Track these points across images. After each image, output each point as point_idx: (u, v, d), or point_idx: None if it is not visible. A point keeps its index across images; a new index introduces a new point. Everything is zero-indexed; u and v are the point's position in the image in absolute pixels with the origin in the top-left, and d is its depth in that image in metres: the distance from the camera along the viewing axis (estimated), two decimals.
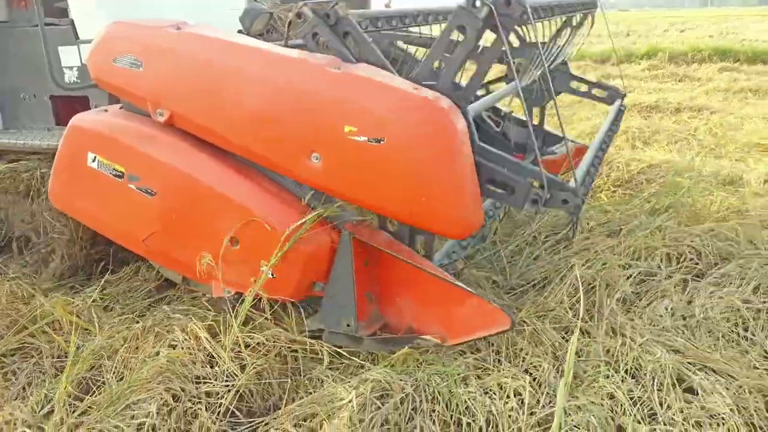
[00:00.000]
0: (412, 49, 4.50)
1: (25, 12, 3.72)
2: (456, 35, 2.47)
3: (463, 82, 2.90)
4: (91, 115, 2.87)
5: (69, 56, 3.44)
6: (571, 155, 4.65)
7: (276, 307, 2.74)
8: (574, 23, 4.18)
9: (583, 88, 4.78)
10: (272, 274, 2.58)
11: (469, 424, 2.24)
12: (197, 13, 3.85)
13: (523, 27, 3.79)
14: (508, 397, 2.33)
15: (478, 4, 2.32)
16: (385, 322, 2.70)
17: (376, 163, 2.32)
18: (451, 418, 2.29)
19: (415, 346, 2.60)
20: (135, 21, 2.75)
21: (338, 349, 2.66)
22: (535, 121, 4.76)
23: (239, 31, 3.55)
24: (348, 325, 2.61)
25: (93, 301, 3.16)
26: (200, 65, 2.54)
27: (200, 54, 2.55)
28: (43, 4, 3.36)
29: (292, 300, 2.68)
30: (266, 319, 2.70)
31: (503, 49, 2.47)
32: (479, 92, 4.43)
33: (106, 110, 2.89)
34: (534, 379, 2.47)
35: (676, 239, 3.44)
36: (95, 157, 2.78)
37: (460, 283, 2.52)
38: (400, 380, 2.39)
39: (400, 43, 4.51)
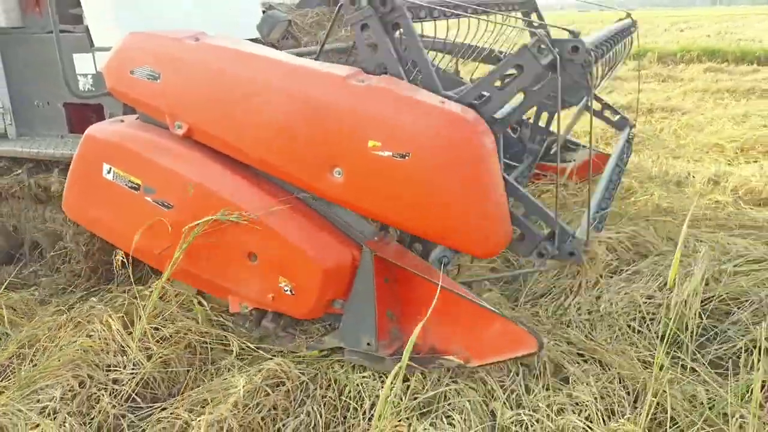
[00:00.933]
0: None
1: (39, 18, 3.67)
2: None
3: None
4: (106, 126, 2.81)
5: (84, 64, 3.39)
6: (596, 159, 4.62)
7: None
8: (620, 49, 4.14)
9: (597, 107, 4.71)
10: (291, 291, 2.52)
11: (355, 408, 2.41)
12: (212, 19, 3.80)
13: None
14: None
15: (543, 48, 2.24)
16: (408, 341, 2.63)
17: (400, 178, 2.25)
18: (341, 403, 2.46)
19: (437, 366, 2.53)
20: (153, 32, 2.69)
21: (247, 343, 2.79)
22: (552, 128, 4.68)
23: (255, 39, 3.49)
24: (368, 344, 2.54)
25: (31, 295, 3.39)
26: (219, 77, 2.48)
27: (219, 66, 2.49)
28: (58, 10, 3.30)
29: (310, 318, 2.61)
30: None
31: (556, 93, 2.41)
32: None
33: (122, 121, 2.83)
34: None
35: (598, 237, 3.46)
36: (111, 169, 2.73)
37: (485, 304, 2.45)
38: (300, 370, 2.56)
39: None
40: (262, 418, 2.35)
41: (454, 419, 2.30)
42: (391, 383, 2.09)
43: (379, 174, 2.28)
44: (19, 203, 3.63)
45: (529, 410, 2.35)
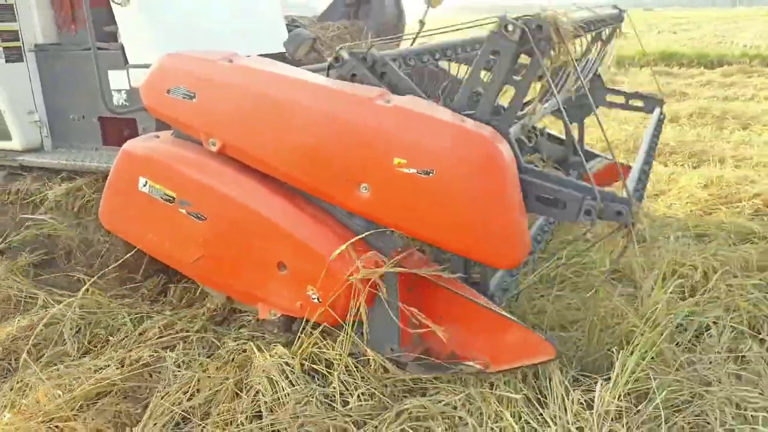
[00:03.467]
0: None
1: (74, 35, 3.85)
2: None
3: (504, 103, 2.96)
4: (143, 142, 2.96)
5: (118, 79, 3.55)
6: (610, 169, 4.69)
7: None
8: (603, 38, 4.21)
9: (620, 99, 4.76)
10: (318, 300, 2.65)
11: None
12: (239, 36, 3.95)
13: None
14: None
15: (510, 27, 2.34)
16: (428, 347, 2.76)
17: (425, 194, 2.37)
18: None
19: (457, 372, 2.65)
20: (188, 53, 2.83)
21: None
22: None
23: (282, 55, 3.63)
24: (392, 350, 2.67)
25: None
26: (251, 97, 2.62)
27: (251, 86, 2.63)
28: (94, 28, 3.47)
29: (337, 325, 2.74)
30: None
31: (540, 70, 2.50)
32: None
33: (157, 136, 2.98)
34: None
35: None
36: (146, 182, 2.87)
37: (504, 312, 2.56)
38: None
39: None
40: None
41: None
42: None
43: (404, 190, 2.40)
44: None
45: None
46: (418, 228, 2.49)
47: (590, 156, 5.02)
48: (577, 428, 2.32)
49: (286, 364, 2.71)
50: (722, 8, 66.46)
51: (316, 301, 2.66)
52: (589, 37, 3.94)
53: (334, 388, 2.60)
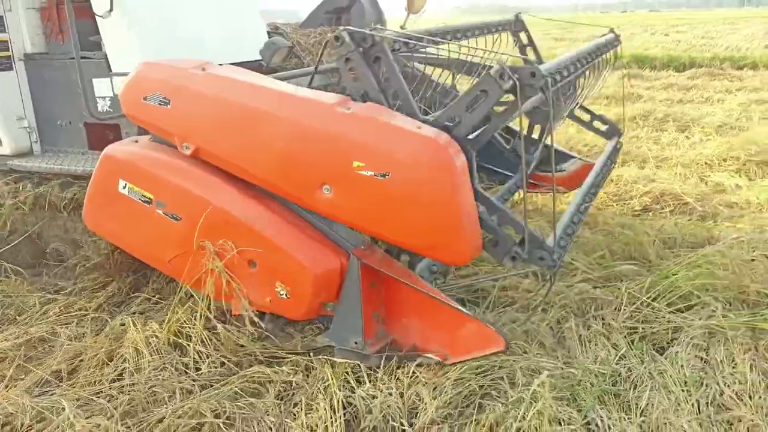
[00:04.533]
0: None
1: (61, 45, 4.01)
2: None
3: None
4: (122, 146, 3.11)
5: (102, 87, 3.71)
6: (586, 169, 4.81)
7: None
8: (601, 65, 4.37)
9: (586, 118, 4.92)
10: (286, 295, 2.80)
11: None
12: (222, 45, 4.10)
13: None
14: None
15: (504, 74, 2.51)
16: (392, 339, 2.90)
17: (381, 195, 2.52)
18: None
19: (418, 363, 2.80)
20: (163, 62, 2.99)
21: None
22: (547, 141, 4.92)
23: (258, 63, 3.78)
24: (356, 343, 2.81)
25: None
26: (222, 104, 2.77)
27: (222, 94, 2.78)
28: (79, 38, 3.63)
29: (304, 319, 2.89)
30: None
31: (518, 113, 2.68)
32: None
33: (136, 141, 3.13)
34: None
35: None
36: (126, 184, 3.02)
37: (461, 307, 2.71)
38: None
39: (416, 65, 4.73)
40: None
41: None
42: None
43: (363, 191, 2.55)
44: None
45: None
46: (376, 227, 2.65)
47: (566, 157, 5.16)
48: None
49: (156, 337, 3.10)
50: (729, 9, 66.67)
51: (284, 296, 2.81)
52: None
53: (190, 357, 3.01)
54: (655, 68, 13.78)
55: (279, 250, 2.75)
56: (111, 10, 3.45)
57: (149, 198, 2.97)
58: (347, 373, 2.80)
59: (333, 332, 2.88)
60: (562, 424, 2.42)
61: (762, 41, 17.92)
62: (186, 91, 2.85)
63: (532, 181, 4.91)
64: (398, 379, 2.72)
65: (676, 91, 11.27)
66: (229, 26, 4.21)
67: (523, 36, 4.76)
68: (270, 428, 2.55)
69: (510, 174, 4.62)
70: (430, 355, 2.78)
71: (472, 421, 2.48)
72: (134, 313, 3.49)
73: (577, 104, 4.43)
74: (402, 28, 4.92)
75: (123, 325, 3.26)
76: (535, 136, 4.72)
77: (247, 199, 2.83)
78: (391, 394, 2.62)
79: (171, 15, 3.83)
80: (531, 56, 4.81)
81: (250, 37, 4.06)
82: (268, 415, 2.60)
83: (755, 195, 5.32)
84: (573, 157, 5.21)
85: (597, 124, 4.94)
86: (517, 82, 2.51)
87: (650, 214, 5.09)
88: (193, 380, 2.89)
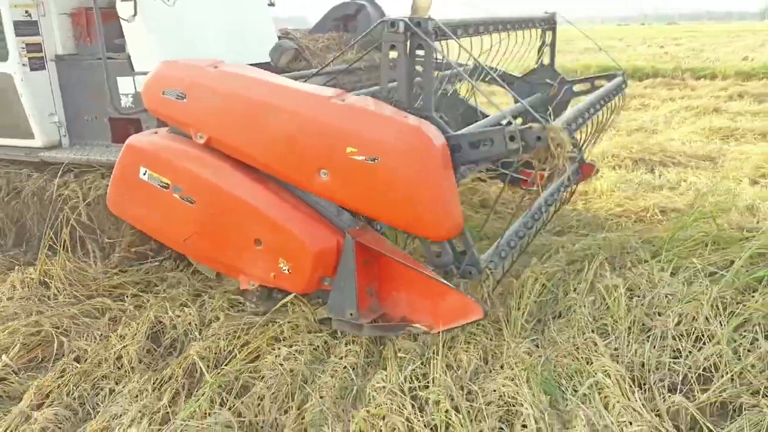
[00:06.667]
0: None
1: (89, 46, 4.37)
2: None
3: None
4: (143, 136, 3.45)
5: (126, 85, 4.06)
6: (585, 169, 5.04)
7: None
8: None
9: (586, 87, 5.04)
10: (288, 270, 3.10)
11: None
12: (235, 47, 4.44)
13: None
14: None
15: (394, 24, 2.82)
16: (384, 312, 3.19)
17: (372, 177, 2.82)
18: None
19: (406, 333, 3.09)
20: (180, 60, 3.32)
21: None
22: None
23: (267, 64, 4.10)
24: (351, 314, 3.09)
25: None
26: (232, 97, 3.10)
27: (232, 88, 3.11)
28: (105, 41, 3.99)
29: (305, 293, 3.19)
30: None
31: (434, 60, 2.94)
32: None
33: (155, 132, 3.47)
34: None
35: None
36: (146, 171, 3.34)
37: (443, 280, 2.99)
38: None
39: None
40: None
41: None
42: None
43: (356, 174, 2.85)
44: None
45: None
46: (368, 207, 2.95)
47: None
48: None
49: (31, 278, 4.14)
50: (751, 22, 66.40)
51: (286, 272, 3.11)
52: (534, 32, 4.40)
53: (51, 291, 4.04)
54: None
55: (283, 230, 3.05)
56: (135, 14, 3.81)
57: (167, 183, 3.29)
58: (167, 304, 3.69)
59: (330, 305, 3.18)
60: None
61: (746, 53, 18.66)
62: (200, 86, 3.18)
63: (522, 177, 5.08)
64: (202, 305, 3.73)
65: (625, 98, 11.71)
66: (243, 30, 4.56)
67: (548, 35, 4.88)
68: (95, 338, 3.50)
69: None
70: (417, 326, 3.06)
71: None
72: (28, 263, 4.50)
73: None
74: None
75: (11, 270, 4.35)
76: None
77: (254, 184, 3.14)
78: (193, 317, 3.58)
79: (188, 19, 4.18)
80: (546, 59, 5.01)
81: (260, 40, 4.39)
82: (98, 330, 3.56)
83: (602, 184, 6.01)
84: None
85: (598, 83, 4.95)
86: (409, 23, 2.80)
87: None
88: (50, 307, 3.89)
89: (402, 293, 3.13)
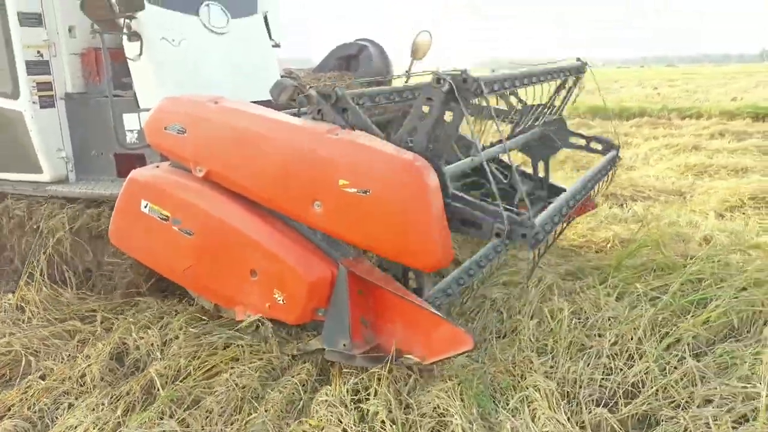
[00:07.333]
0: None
1: (98, 85, 4.52)
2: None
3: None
4: (145, 170, 3.55)
5: (131, 121, 4.19)
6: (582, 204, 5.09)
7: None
8: (566, 86, 4.73)
9: (581, 142, 5.24)
10: (283, 301, 3.14)
11: None
12: (238, 84, 4.58)
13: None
14: None
15: (441, 81, 2.92)
16: (379, 343, 3.21)
17: (364, 209, 2.88)
18: None
19: (399, 364, 3.10)
20: (182, 96, 3.44)
21: None
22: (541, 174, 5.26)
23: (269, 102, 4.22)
24: (344, 345, 3.12)
25: None
26: (231, 132, 3.20)
27: (231, 123, 3.21)
28: (113, 79, 4.14)
29: (299, 323, 3.22)
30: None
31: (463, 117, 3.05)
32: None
33: (157, 166, 3.57)
34: None
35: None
36: (147, 204, 3.43)
37: (435, 311, 3.02)
38: None
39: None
40: None
41: None
42: None
43: (348, 206, 2.92)
44: None
45: None
46: (360, 238, 3.00)
47: (559, 190, 5.47)
48: None
49: (9, 303, 4.28)
50: (750, 64, 67.22)
51: (281, 302, 3.16)
52: (553, 85, 4.49)
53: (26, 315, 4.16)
54: (608, 118, 14.33)
55: (277, 260, 3.11)
56: (141, 54, 3.96)
57: (166, 215, 3.37)
58: (132, 327, 3.81)
59: (324, 336, 3.20)
60: None
61: (735, 95, 18.88)
62: (199, 121, 3.29)
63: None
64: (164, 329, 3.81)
65: (608, 136, 11.81)
66: (246, 69, 4.70)
67: (570, 80, 4.86)
68: (63, 358, 3.60)
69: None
70: (410, 356, 3.07)
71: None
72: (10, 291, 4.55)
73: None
74: (407, 72, 5.38)
75: None
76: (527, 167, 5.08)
77: (250, 215, 3.21)
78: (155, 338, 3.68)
79: (192, 58, 4.33)
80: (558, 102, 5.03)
81: (264, 78, 4.52)
82: (66, 351, 3.67)
83: None
84: (566, 190, 5.50)
85: (594, 144, 5.19)
86: (453, 85, 2.92)
87: None
88: (23, 329, 3.99)
89: (395, 324, 3.15)
